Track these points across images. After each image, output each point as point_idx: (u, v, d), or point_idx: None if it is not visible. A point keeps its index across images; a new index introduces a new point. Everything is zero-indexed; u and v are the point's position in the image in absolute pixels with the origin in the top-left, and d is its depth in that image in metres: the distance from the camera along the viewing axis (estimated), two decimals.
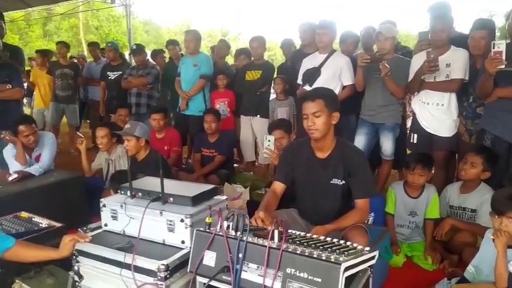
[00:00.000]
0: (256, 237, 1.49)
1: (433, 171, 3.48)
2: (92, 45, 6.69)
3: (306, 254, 1.35)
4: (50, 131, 5.78)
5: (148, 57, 6.35)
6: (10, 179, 3.11)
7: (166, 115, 4.47)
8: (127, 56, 8.01)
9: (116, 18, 24.14)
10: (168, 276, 1.60)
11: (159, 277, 1.60)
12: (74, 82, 6.03)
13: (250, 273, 1.42)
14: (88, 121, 7.75)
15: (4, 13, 9.81)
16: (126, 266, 1.67)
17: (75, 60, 7.69)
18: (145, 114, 5.01)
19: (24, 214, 2.58)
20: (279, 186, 2.27)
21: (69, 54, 6.48)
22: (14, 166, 3.32)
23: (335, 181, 2.20)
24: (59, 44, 6.26)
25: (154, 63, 5.81)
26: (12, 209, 2.60)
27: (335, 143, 2.23)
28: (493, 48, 2.55)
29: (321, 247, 1.43)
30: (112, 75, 5.52)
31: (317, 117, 2.10)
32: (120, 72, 5.43)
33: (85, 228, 2.02)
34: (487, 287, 1.95)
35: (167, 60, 6.10)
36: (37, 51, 6.82)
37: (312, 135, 2.16)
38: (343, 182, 2.18)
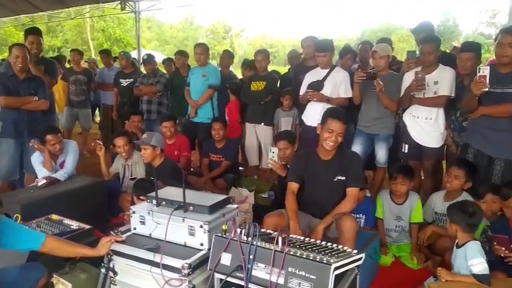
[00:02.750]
0: (264, 242, 1.82)
1: (422, 178, 3.83)
2: (104, 53, 7.01)
3: (304, 256, 1.69)
4: (64, 134, 6.14)
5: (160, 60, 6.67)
6: (40, 184, 3.43)
7: (176, 122, 4.79)
8: (134, 54, 8.34)
9: (122, 20, 24.46)
10: (190, 272, 1.94)
11: (183, 273, 1.93)
12: (87, 88, 6.37)
13: (259, 271, 1.75)
14: (97, 122, 8.11)
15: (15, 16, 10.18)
16: (155, 264, 2.00)
17: (87, 65, 8.04)
18: (155, 120, 5.34)
19: (55, 217, 2.87)
20: (294, 186, 2.72)
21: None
22: (42, 172, 3.62)
23: (339, 177, 2.69)
24: (73, 52, 6.60)
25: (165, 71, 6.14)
26: (43, 212, 2.90)
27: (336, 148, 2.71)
28: (479, 72, 2.83)
29: (316, 250, 1.77)
30: (124, 82, 5.85)
31: (340, 136, 2.62)
32: (132, 80, 5.76)
33: (116, 231, 2.33)
34: (464, 283, 2.26)
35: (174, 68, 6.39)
36: (51, 58, 7.15)
37: (328, 146, 2.64)
38: (344, 177, 2.67)
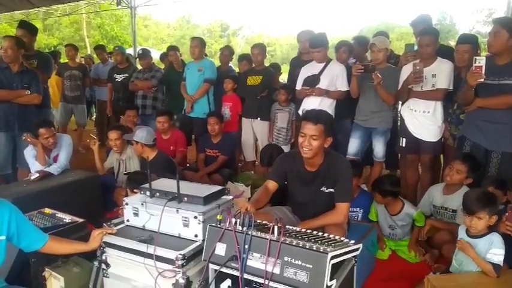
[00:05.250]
0: (259, 232, 1.78)
1: (420, 172, 3.81)
2: (99, 49, 6.95)
3: (300, 245, 1.65)
4: (59, 130, 6.08)
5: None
6: (32, 178, 3.38)
7: (171, 117, 4.74)
8: (131, 51, 8.28)
9: (118, 17, 24.34)
10: (184, 264, 1.89)
11: (177, 265, 1.89)
12: (82, 83, 6.31)
13: (255, 261, 1.71)
14: (93, 119, 8.05)
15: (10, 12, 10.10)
16: (148, 256, 1.96)
17: (83, 61, 7.97)
18: (151, 115, 5.30)
19: (47, 210, 2.83)
20: (272, 184, 2.48)
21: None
22: (35, 166, 3.58)
23: (324, 189, 2.45)
24: (67, 47, 6.54)
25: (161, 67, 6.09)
26: (35, 206, 2.84)
27: (323, 157, 2.42)
28: (474, 63, 2.80)
29: (313, 240, 1.73)
30: (119, 78, 5.78)
31: (314, 140, 2.28)
32: (126, 75, 5.70)
33: (109, 223, 2.29)
34: (463, 276, 2.23)
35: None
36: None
37: (304, 154, 2.34)
38: (332, 190, 2.43)
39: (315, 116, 2.32)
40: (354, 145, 3.93)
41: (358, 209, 3.23)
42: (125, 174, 3.91)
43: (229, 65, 5.67)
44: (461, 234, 2.42)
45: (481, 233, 2.29)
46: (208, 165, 4.50)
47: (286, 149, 4.53)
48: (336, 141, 4.22)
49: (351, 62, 4.39)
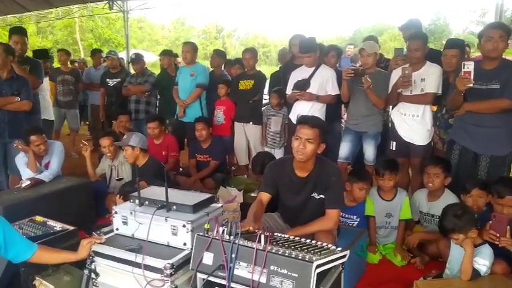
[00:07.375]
0: (246, 241, 1.79)
1: (410, 176, 3.83)
2: (97, 53, 6.93)
3: (286, 254, 1.67)
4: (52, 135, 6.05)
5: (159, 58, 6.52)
6: (23, 185, 3.37)
7: (163, 123, 4.73)
8: (123, 55, 8.27)
9: (111, 20, 24.29)
10: (173, 273, 1.91)
11: (165, 274, 1.90)
12: (75, 88, 6.30)
13: (241, 270, 1.73)
14: (87, 123, 8.01)
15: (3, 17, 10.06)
16: (137, 265, 1.97)
17: (76, 64, 7.94)
18: (143, 120, 5.28)
19: (38, 218, 2.84)
20: (265, 197, 2.50)
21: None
22: (26, 173, 3.56)
23: (314, 195, 2.47)
24: (59, 52, 6.52)
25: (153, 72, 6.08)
26: (27, 214, 2.85)
27: (314, 162, 2.45)
28: (463, 68, 2.82)
29: (299, 248, 1.75)
30: (111, 82, 5.78)
31: (309, 143, 2.31)
32: (119, 80, 5.69)
33: (99, 232, 2.29)
34: (451, 281, 2.26)
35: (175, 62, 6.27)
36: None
37: (297, 156, 2.36)
38: (322, 196, 2.45)
39: (311, 120, 2.39)
40: (345, 149, 3.95)
41: (355, 217, 3.19)
42: (117, 180, 3.92)
43: (222, 69, 5.69)
44: (453, 243, 2.46)
45: (476, 243, 2.33)
46: (200, 170, 4.50)
47: (279, 152, 4.56)
48: (327, 144, 4.27)
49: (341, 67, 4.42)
